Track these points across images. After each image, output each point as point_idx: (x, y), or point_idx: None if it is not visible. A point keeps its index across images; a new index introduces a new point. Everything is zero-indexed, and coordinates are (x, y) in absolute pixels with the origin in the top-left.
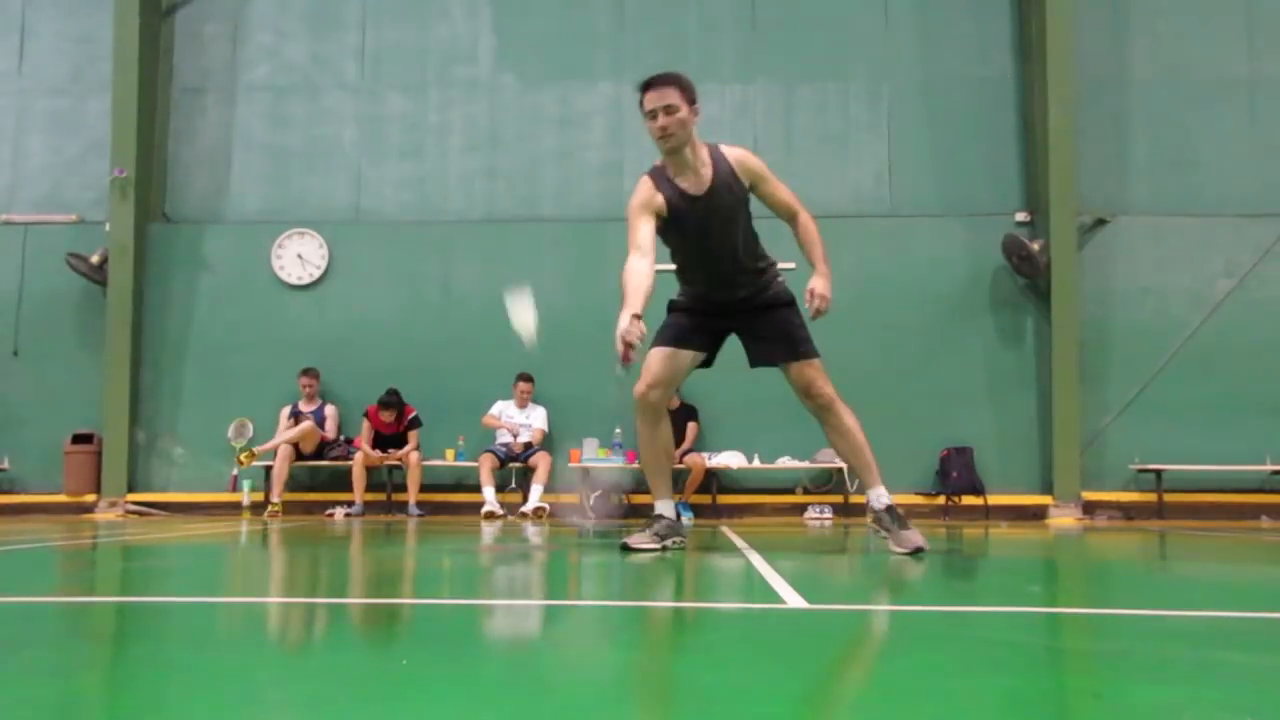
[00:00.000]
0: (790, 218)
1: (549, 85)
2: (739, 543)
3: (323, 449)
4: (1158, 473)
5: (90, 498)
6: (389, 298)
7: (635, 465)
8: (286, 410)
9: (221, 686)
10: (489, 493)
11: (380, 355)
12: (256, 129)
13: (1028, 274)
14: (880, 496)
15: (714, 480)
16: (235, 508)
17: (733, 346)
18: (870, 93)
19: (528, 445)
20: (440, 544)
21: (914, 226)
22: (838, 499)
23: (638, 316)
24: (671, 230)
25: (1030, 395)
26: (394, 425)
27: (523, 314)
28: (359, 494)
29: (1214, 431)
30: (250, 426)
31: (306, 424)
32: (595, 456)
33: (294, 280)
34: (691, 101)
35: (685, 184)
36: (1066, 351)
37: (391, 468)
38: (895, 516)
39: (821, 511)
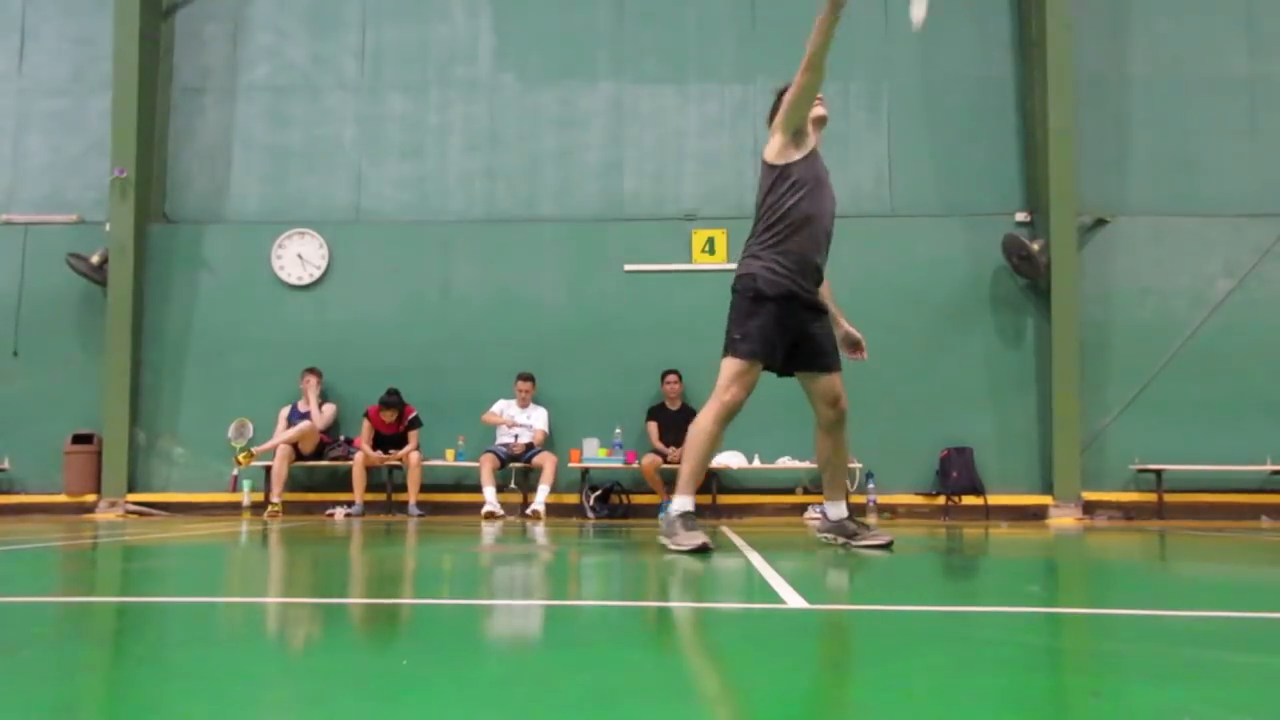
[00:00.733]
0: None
1: (549, 85)
2: (739, 543)
3: (322, 449)
4: (1158, 473)
5: (90, 498)
6: (389, 298)
7: (635, 465)
8: (285, 411)
9: (221, 686)
10: (489, 493)
11: (380, 355)
12: (256, 129)
13: (1028, 274)
14: (842, 508)
15: (714, 480)
16: (235, 508)
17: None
18: (870, 93)
19: (528, 446)
20: (440, 544)
21: (914, 226)
22: None
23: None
24: (808, 166)
25: (1030, 395)
26: (394, 425)
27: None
28: (359, 494)
29: (1214, 431)
30: (250, 426)
31: (305, 424)
32: (595, 456)
33: (294, 280)
34: None
35: (815, 136)
36: (1066, 351)
37: (392, 468)
38: (857, 520)
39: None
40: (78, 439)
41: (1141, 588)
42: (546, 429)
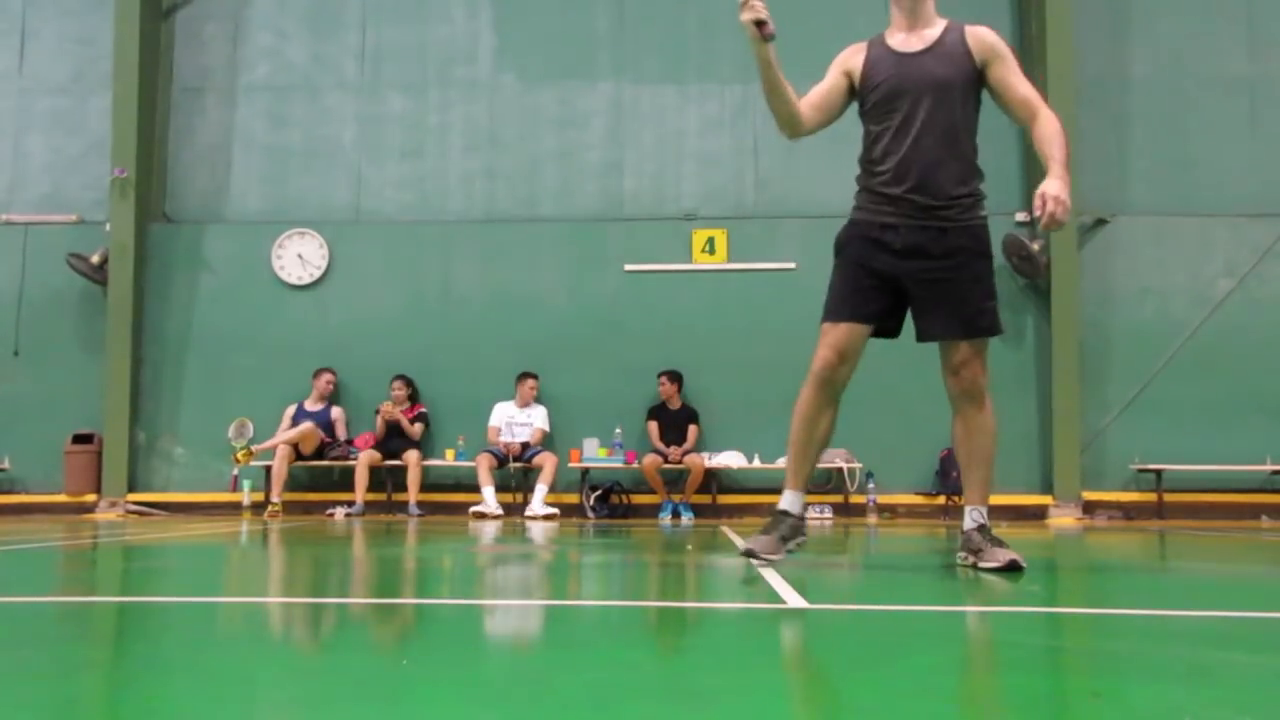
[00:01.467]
0: (1029, 117)
1: (549, 85)
2: (739, 543)
3: (322, 450)
4: (1158, 473)
5: (90, 498)
6: (389, 298)
7: (635, 465)
8: (291, 410)
9: (221, 686)
10: (488, 493)
11: (380, 355)
12: (256, 129)
13: (1028, 274)
14: (976, 515)
15: (714, 480)
16: (235, 508)
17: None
18: None
19: (526, 445)
20: (440, 544)
21: None
22: (838, 499)
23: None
24: (868, 85)
25: (1030, 395)
26: (406, 411)
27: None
28: (360, 494)
29: (1214, 431)
30: (250, 426)
31: (306, 425)
32: (595, 456)
33: (294, 280)
34: None
35: (897, 40)
36: (1066, 351)
37: (392, 467)
38: (987, 534)
39: (821, 511)
40: (78, 439)
41: (1141, 588)
42: (546, 428)
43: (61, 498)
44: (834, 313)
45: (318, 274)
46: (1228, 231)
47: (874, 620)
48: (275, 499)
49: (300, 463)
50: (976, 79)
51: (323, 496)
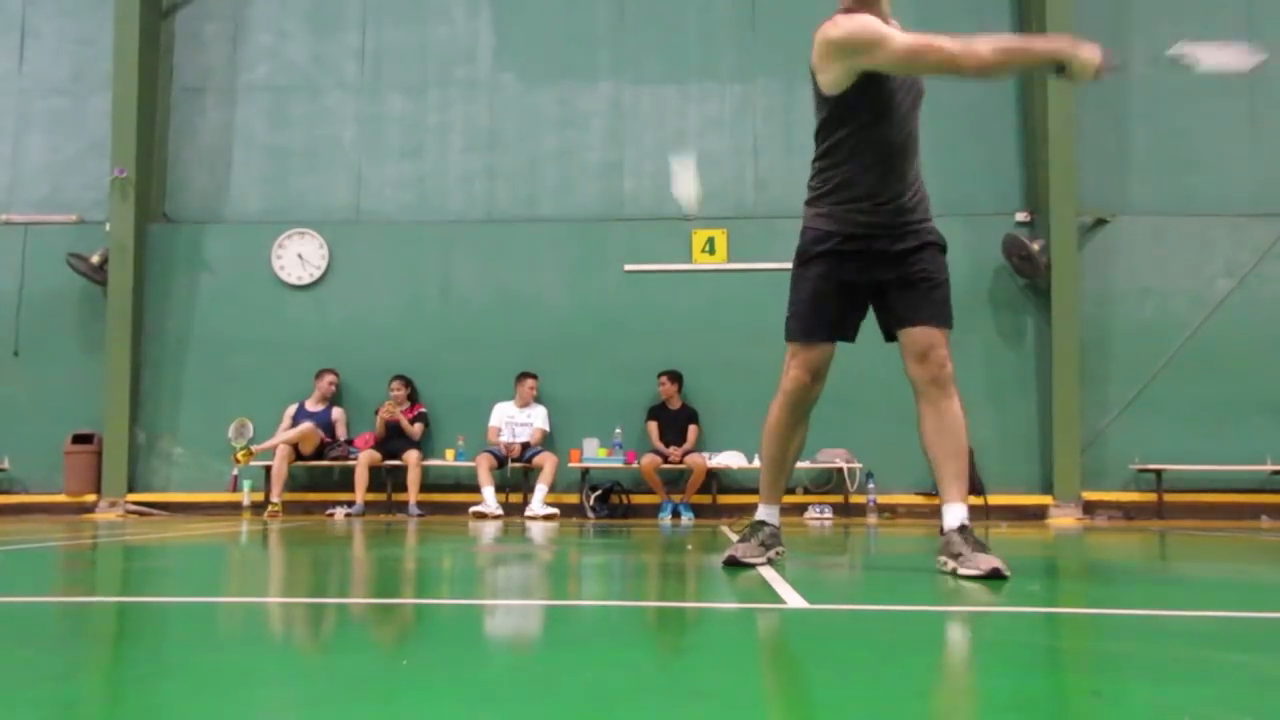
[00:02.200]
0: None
1: (549, 85)
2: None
3: (322, 450)
4: (1158, 473)
5: (90, 498)
6: (389, 298)
7: (635, 465)
8: (292, 409)
9: (221, 686)
10: (488, 493)
11: (380, 355)
12: (256, 129)
13: (1028, 274)
14: (958, 514)
15: (714, 480)
16: (235, 508)
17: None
18: None
19: (526, 445)
20: (440, 544)
21: None
22: (838, 499)
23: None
24: (869, 89)
25: (1030, 395)
26: (405, 411)
27: (685, 180)
28: (360, 494)
29: (1214, 431)
30: (250, 426)
31: (306, 425)
32: (595, 456)
33: (294, 280)
34: None
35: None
36: (1066, 352)
37: (392, 468)
38: (969, 536)
39: (822, 511)
40: (78, 439)
41: (1141, 588)
42: (546, 428)
43: (61, 498)
44: (805, 333)
45: (318, 274)
46: (1228, 231)
47: (874, 620)
48: (275, 499)
49: (300, 462)
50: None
51: (323, 496)
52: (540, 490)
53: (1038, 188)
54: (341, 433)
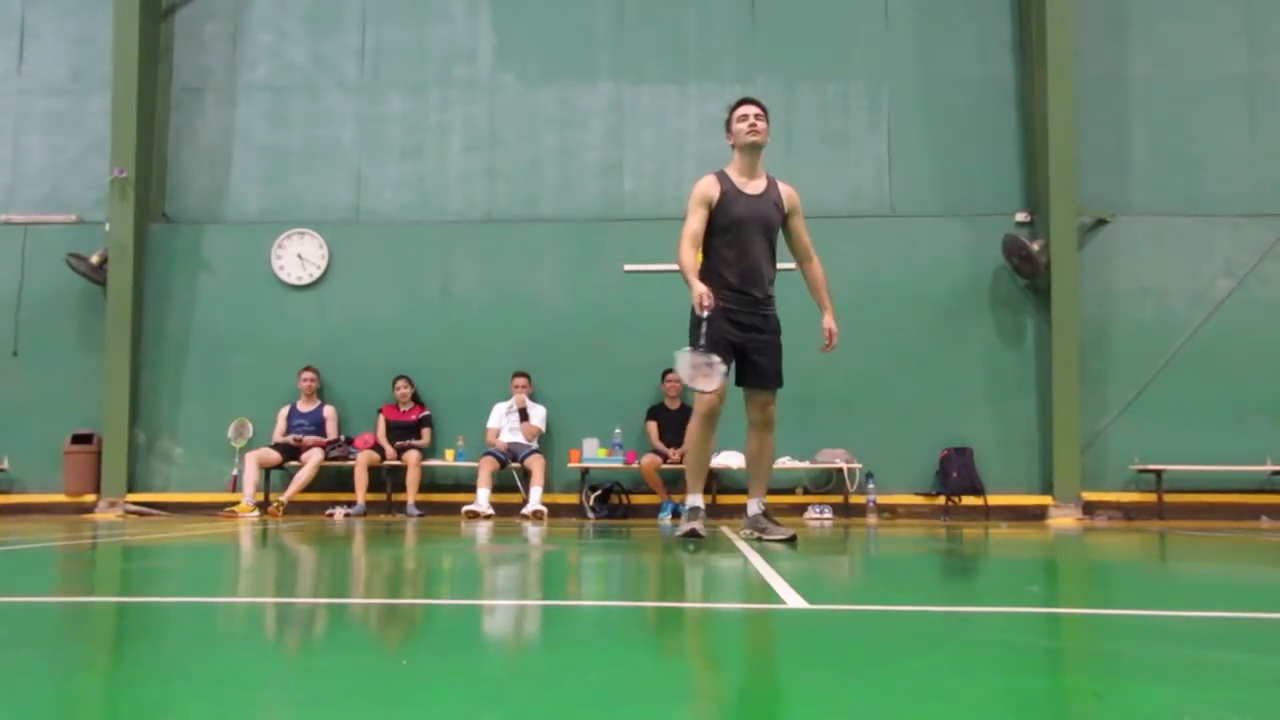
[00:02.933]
0: (807, 258)
1: (549, 85)
2: (739, 543)
3: (296, 455)
4: (1158, 473)
5: (90, 498)
6: (389, 298)
7: (634, 466)
8: (285, 411)
9: (221, 686)
10: (482, 493)
11: (380, 355)
12: (256, 129)
13: (1028, 274)
14: (759, 504)
15: (714, 480)
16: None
17: None
18: (870, 93)
19: (519, 445)
20: (439, 544)
21: (914, 226)
22: (838, 499)
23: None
24: (722, 214)
25: (1030, 395)
26: (409, 413)
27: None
28: (360, 494)
29: (1214, 431)
30: (250, 426)
31: (317, 458)
32: (595, 456)
33: (294, 280)
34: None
35: (740, 183)
36: (1066, 352)
37: (392, 468)
38: (769, 517)
39: (821, 511)
40: (77, 439)
41: (1141, 588)
42: (542, 426)
43: (61, 498)
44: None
45: (317, 274)
46: (1228, 231)
47: (874, 620)
48: (284, 498)
49: (295, 462)
50: (782, 220)
51: (323, 496)
52: (535, 492)
53: (1038, 188)
54: (332, 430)
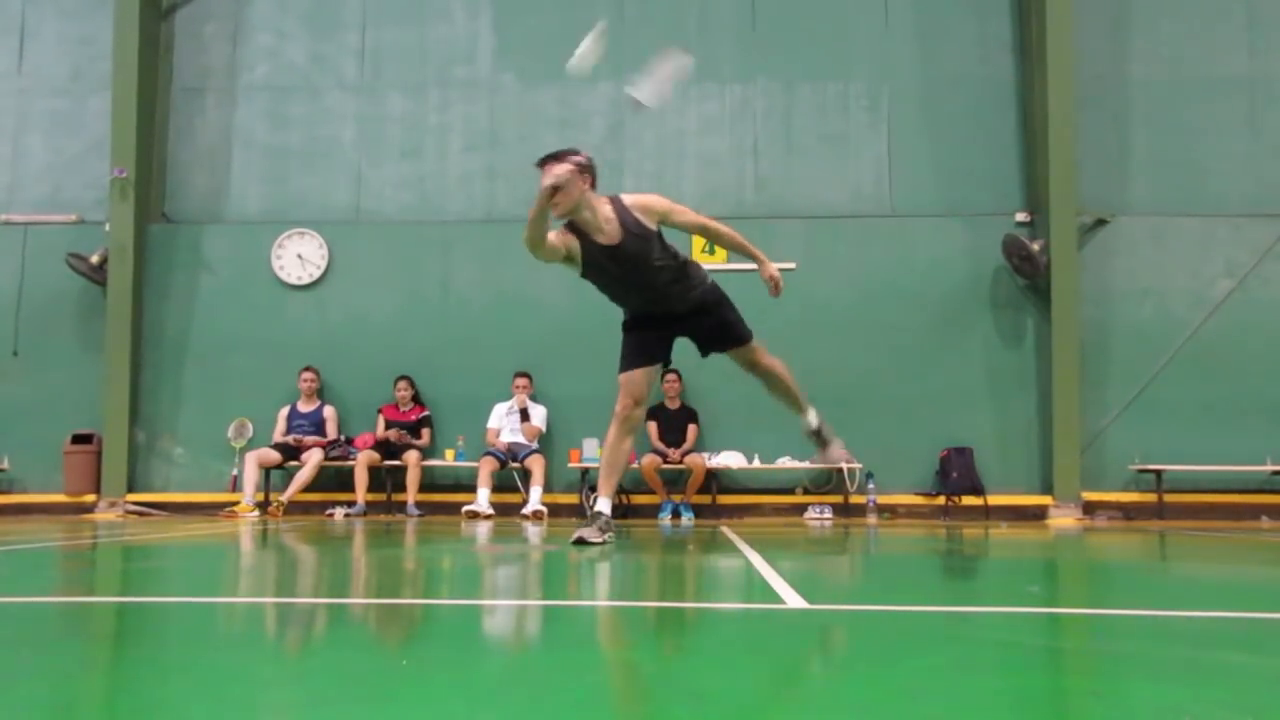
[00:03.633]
0: (704, 232)
1: (549, 85)
2: (739, 543)
3: (297, 455)
4: (1158, 473)
5: (90, 498)
6: (389, 298)
7: (634, 465)
8: (285, 411)
9: (221, 686)
10: (482, 494)
11: (380, 355)
12: (256, 129)
13: (1028, 274)
14: (812, 419)
15: (714, 480)
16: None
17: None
18: (870, 93)
19: (519, 445)
20: (439, 544)
21: (914, 227)
22: (838, 499)
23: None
24: (596, 276)
25: (1030, 395)
26: (408, 413)
27: (589, 50)
28: (361, 494)
29: (1214, 432)
30: (250, 426)
31: (317, 458)
32: (595, 456)
33: (294, 280)
34: (582, 170)
35: (598, 238)
36: (1066, 352)
37: (392, 468)
38: (821, 437)
39: (821, 511)
40: (77, 439)
41: (1141, 588)
42: (543, 427)
43: (61, 498)
44: (625, 364)
45: (317, 274)
46: (1228, 231)
47: (874, 620)
48: (284, 498)
49: (293, 463)
50: (658, 232)
51: (323, 496)
52: (535, 492)
53: (1038, 188)
54: (332, 430)
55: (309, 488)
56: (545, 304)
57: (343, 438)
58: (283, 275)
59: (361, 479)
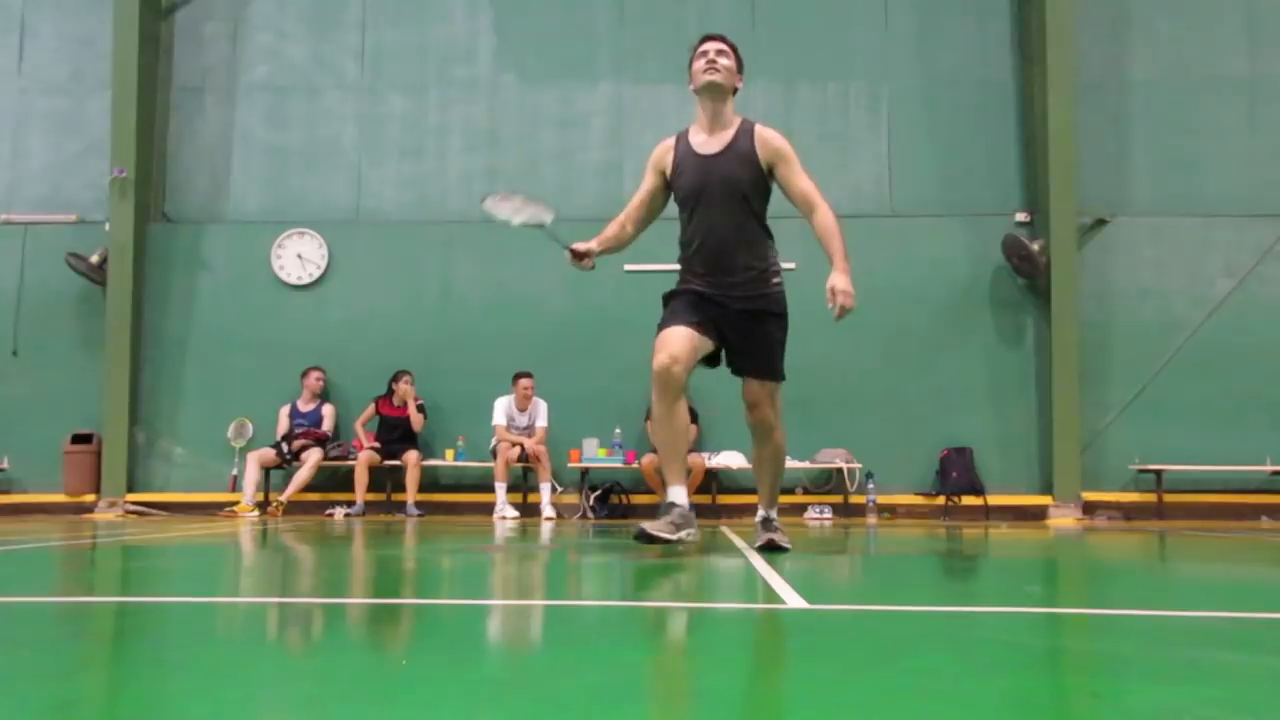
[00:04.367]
0: (808, 210)
1: (549, 85)
2: (739, 543)
3: (298, 455)
4: (1158, 473)
5: (90, 498)
6: (389, 298)
7: (634, 465)
8: (285, 409)
9: (221, 686)
10: (500, 489)
11: (380, 355)
12: (256, 129)
13: (1028, 274)
14: (772, 512)
15: (714, 480)
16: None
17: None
18: (870, 93)
19: (520, 447)
20: (439, 544)
21: (914, 226)
22: (838, 499)
23: (580, 252)
24: (675, 186)
25: (1030, 395)
26: (403, 408)
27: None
28: (360, 494)
29: (1214, 432)
30: (250, 426)
31: (316, 458)
32: (595, 456)
33: (294, 280)
34: (740, 69)
35: (699, 141)
36: (1066, 352)
37: (392, 468)
38: (771, 526)
39: (821, 511)
40: (77, 439)
41: (1141, 588)
42: (546, 424)
43: (60, 498)
44: (664, 324)
45: (317, 274)
46: (1228, 231)
47: (874, 620)
48: (283, 498)
49: (295, 462)
50: (764, 176)
51: (323, 496)
52: (546, 489)
53: (1038, 188)
54: (328, 427)
55: (308, 487)
56: (545, 304)
57: (338, 441)
58: (283, 275)
59: (361, 479)
